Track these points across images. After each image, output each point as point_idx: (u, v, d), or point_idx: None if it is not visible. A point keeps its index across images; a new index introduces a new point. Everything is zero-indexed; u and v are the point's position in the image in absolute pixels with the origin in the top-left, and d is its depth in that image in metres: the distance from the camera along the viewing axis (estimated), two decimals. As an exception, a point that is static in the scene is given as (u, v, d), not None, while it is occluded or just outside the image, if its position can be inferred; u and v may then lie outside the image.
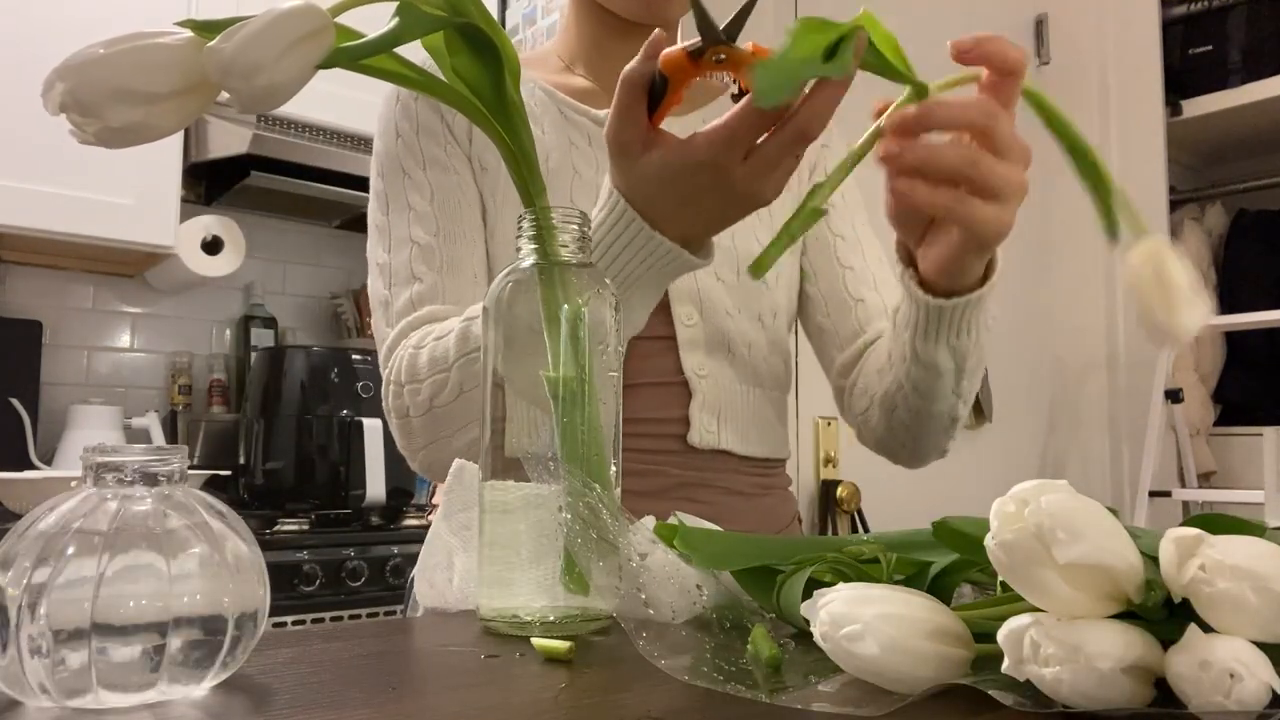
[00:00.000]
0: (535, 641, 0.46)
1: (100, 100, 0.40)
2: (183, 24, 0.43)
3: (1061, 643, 0.32)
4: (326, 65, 0.43)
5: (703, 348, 0.83)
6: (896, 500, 2.02)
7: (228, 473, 1.96)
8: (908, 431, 0.81)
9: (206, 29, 0.42)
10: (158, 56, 0.41)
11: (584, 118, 0.86)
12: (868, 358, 0.86)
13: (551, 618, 0.50)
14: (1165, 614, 0.33)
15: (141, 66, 0.41)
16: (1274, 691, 0.30)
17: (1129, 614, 0.34)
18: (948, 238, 0.61)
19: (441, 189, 0.82)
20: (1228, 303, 2.74)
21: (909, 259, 0.65)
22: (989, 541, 0.34)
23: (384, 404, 0.77)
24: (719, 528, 0.57)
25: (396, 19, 0.48)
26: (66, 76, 0.40)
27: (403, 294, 0.79)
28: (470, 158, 0.84)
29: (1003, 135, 0.55)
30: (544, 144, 0.84)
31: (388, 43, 0.47)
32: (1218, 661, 0.30)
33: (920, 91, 0.55)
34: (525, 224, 0.53)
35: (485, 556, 0.52)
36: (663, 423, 0.82)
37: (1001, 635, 0.34)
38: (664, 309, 0.82)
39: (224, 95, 0.43)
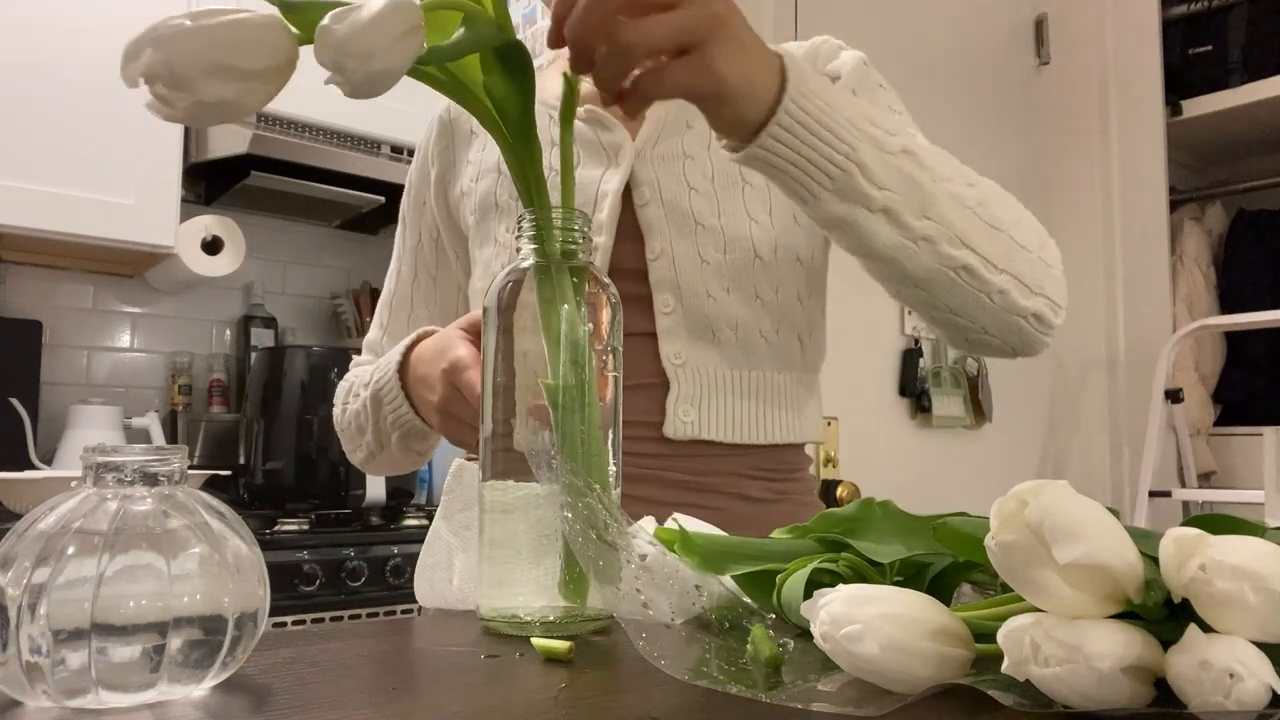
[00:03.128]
0: (535, 641, 0.46)
1: (195, 74, 0.38)
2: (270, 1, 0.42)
3: (1061, 643, 0.32)
4: (422, 62, 0.44)
5: (683, 335, 0.80)
6: (896, 500, 2.02)
7: (228, 473, 1.96)
8: (938, 309, 0.70)
9: (291, 10, 0.42)
10: (252, 33, 0.40)
11: (579, 120, 0.86)
12: None
13: (551, 618, 0.50)
14: (1165, 614, 0.33)
15: (238, 42, 0.39)
16: (1274, 691, 0.30)
17: (1129, 614, 0.34)
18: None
19: (408, 253, 0.98)
20: (1228, 303, 2.74)
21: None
22: (989, 541, 0.34)
23: None
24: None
25: (464, 28, 0.48)
26: (160, 46, 0.38)
27: (370, 332, 1.02)
28: (439, 220, 0.94)
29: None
30: None
31: (466, 48, 0.48)
32: (1218, 661, 0.30)
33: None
34: (525, 224, 0.53)
35: (485, 556, 0.52)
36: (643, 425, 0.79)
37: (1001, 635, 0.34)
38: (645, 300, 0.80)
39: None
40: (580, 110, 0.86)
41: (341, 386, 0.94)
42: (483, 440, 0.53)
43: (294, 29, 0.42)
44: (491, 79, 0.53)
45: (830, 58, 0.90)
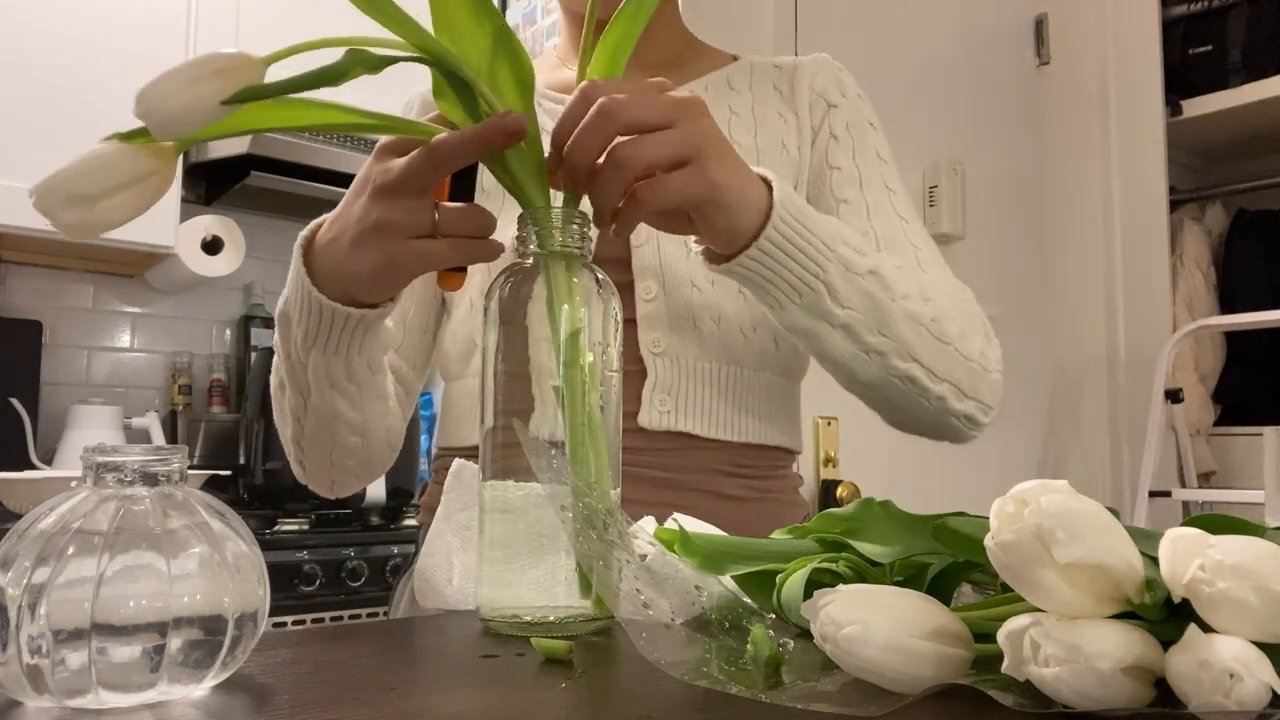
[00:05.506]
0: (535, 641, 0.46)
1: (55, 206, 0.47)
2: (110, 138, 0.47)
3: (1061, 643, 0.32)
4: (238, 100, 0.46)
5: (664, 324, 0.79)
6: (897, 500, 2.02)
7: (228, 473, 1.96)
8: (876, 404, 0.77)
9: (129, 137, 0.47)
10: (95, 163, 0.47)
11: (558, 105, 0.86)
12: None
13: (551, 618, 0.50)
14: (1165, 614, 0.33)
15: (82, 172, 0.46)
16: (1274, 692, 0.30)
17: (1129, 614, 0.33)
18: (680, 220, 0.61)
19: None
20: (1228, 303, 2.74)
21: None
22: (989, 542, 0.34)
23: None
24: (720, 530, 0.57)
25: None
26: (34, 192, 0.47)
27: None
28: None
29: (625, 116, 0.53)
30: None
31: (314, 80, 0.48)
32: (1217, 661, 0.30)
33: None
34: (525, 224, 0.54)
35: (485, 556, 0.52)
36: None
37: (1001, 635, 0.34)
38: (626, 287, 0.79)
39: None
40: (561, 96, 0.86)
41: None
42: (482, 439, 0.53)
43: (145, 148, 0.47)
44: (442, 103, 0.54)
45: (830, 82, 0.90)
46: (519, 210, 0.55)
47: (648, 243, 0.80)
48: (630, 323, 0.79)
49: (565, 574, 0.50)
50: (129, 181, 0.46)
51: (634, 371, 0.79)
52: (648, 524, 0.56)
